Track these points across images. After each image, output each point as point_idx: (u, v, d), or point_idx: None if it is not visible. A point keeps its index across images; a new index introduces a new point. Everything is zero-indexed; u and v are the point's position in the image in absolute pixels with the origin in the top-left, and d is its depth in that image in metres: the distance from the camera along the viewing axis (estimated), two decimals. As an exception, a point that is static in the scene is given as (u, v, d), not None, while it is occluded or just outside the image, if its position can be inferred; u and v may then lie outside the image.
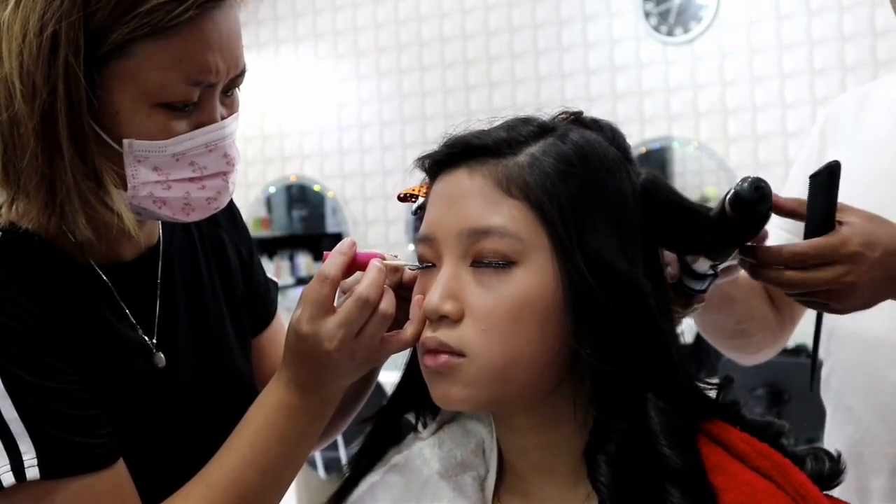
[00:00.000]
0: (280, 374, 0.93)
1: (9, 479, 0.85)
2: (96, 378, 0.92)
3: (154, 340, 1.01)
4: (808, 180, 0.93)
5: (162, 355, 1.01)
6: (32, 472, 0.85)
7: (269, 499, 0.95)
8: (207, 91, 0.92)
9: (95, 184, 0.90)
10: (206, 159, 0.94)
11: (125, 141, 0.90)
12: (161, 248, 1.06)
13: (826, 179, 0.91)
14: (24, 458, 0.85)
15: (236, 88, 0.97)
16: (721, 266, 0.93)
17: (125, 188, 0.92)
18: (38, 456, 0.85)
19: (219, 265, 1.13)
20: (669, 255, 0.91)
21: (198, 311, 1.08)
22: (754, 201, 0.83)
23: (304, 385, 0.91)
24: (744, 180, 0.83)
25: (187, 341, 1.05)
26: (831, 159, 1.26)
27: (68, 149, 0.87)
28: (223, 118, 0.95)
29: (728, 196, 0.84)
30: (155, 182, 0.93)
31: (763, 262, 0.90)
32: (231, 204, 1.14)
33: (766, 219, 0.86)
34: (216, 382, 1.07)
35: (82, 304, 0.94)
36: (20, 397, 0.85)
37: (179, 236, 1.10)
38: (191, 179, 0.95)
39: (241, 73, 0.95)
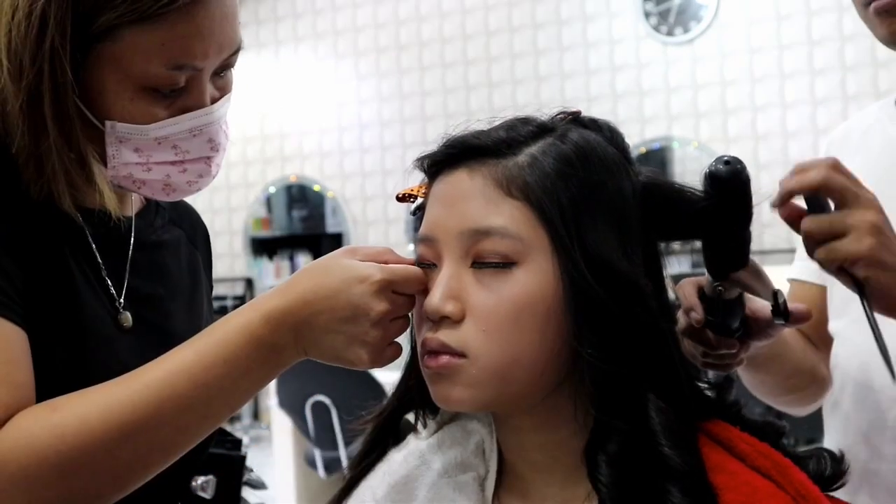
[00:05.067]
0: (261, 303, 0.84)
1: None
2: (56, 322, 0.89)
3: (121, 300, 0.98)
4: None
5: (129, 315, 0.98)
6: None
7: (185, 423, 0.83)
8: (196, 74, 0.91)
9: (80, 164, 0.89)
10: (189, 143, 0.93)
11: (107, 122, 0.90)
12: (134, 218, 1.03)
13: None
14: None
15: (230, 69, 0.95)
16: (731, 292, 0.92)
17: (106, 165, 0.92)
18: None
19: (190, 272, 1.10)
20: (691, 299, 0.93)
21: (169, 286, 1.05)
22: (728, 177, 0.83)
23: (286, 326, 0.82)
24: (716, 160, 0.84)
25: (158, 311, 1.02)
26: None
27: (53, 129, 0.86)
28: (214, 100, 0.94)
29: (703, 177, 0.84)
30: (135, 164, 0.92)
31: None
32: (209, 250, 1.14)
33: (742, 192, 0.85)
34: None
35: (52, 243, 0.92)
36: None
37: (160, 223, 1.08)
38: (172, 163, 0.94)
39: (236, 52, 0.93)
